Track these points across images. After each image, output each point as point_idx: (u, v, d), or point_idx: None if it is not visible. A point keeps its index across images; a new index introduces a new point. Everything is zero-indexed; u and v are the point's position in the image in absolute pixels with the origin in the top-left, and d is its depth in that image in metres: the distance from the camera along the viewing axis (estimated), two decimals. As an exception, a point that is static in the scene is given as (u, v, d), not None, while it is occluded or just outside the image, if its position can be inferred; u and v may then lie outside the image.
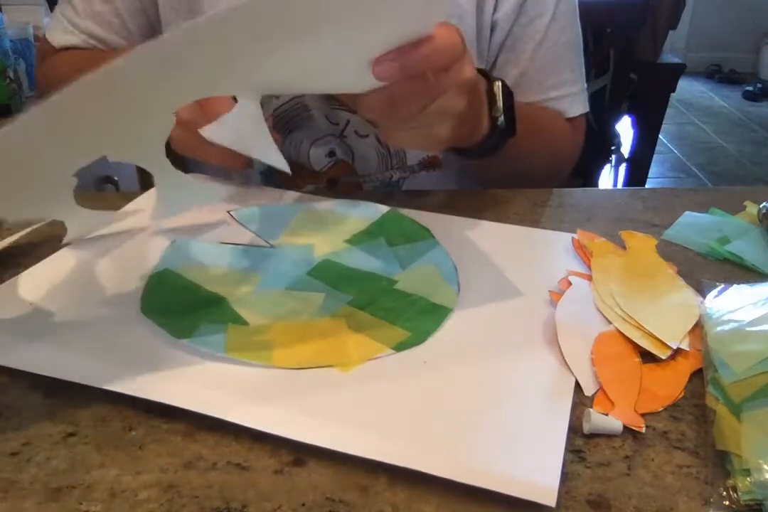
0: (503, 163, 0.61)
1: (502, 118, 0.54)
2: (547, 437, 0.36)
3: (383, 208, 0.58)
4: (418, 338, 0.43)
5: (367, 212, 0.57)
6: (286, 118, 0.71)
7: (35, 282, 0.49)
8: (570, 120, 0.72)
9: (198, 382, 0.39)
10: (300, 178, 0.73)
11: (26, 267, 0.50)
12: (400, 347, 0.42)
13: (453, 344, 0.43)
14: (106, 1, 0.70)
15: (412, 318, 0.45)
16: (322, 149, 0.73)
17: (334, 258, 0.51)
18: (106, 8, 0.70)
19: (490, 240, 0.55)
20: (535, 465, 0.34)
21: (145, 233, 0.55)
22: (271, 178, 0.73)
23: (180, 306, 0.46)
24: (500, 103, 0.54)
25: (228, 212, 0.58)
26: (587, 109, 0.73)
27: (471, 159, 0.58)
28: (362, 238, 0.54)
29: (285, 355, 0.41)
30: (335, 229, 0.55)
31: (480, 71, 0.51)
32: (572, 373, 0.40)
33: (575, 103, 0.72)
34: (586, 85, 0.73)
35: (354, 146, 0.73)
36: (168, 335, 0.43)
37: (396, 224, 0.56)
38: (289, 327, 0.44)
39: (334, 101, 0.70)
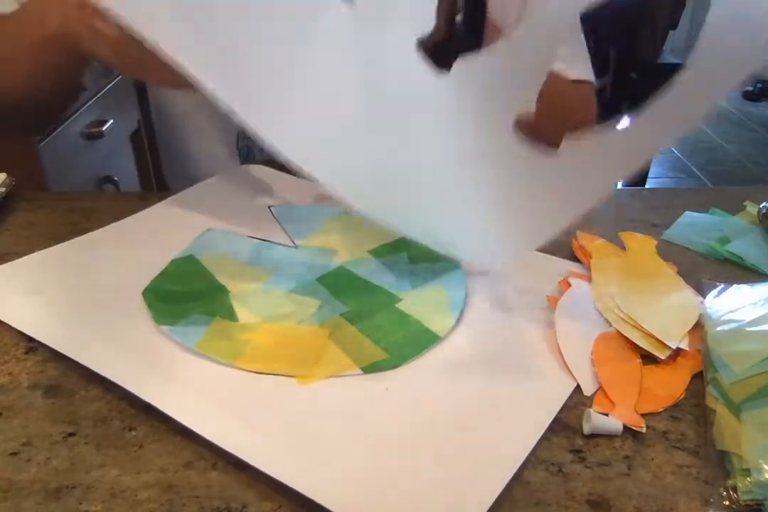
0: None
1: None
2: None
3: None
4: (393, 362, 0.41)
5: None
6: None
7: (72, 251, 0.52)
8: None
9: (152, 367, 0.40)
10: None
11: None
12: (369, 369, 0.40)
13: (423, 375, 0.40)
14: None
15: (397, 340, 0.43)
16: None
17: (348, 267, 0.50)
18: None
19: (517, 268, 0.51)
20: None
21: (184, 219, 0.56)
22: (249, 158, 0.72)
23: (182, 292, 0.46)
24: None
25: (269, 207, 0.58)
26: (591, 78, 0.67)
27: None
28: (385, 251, 0.52)
29: (252, 358, 0.41)
30: (363, 238, 0.54)
31: None
32: (572, 378, 0.40)
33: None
34: (587, 52, 0.67)
35: None
36: (150, 319, 0.43)
37: None
38: (272, 330, 0.43)
39: None
